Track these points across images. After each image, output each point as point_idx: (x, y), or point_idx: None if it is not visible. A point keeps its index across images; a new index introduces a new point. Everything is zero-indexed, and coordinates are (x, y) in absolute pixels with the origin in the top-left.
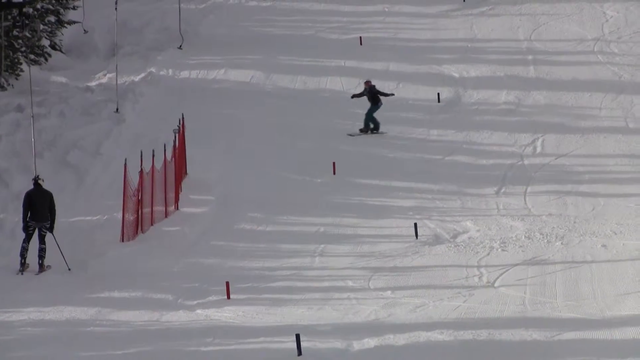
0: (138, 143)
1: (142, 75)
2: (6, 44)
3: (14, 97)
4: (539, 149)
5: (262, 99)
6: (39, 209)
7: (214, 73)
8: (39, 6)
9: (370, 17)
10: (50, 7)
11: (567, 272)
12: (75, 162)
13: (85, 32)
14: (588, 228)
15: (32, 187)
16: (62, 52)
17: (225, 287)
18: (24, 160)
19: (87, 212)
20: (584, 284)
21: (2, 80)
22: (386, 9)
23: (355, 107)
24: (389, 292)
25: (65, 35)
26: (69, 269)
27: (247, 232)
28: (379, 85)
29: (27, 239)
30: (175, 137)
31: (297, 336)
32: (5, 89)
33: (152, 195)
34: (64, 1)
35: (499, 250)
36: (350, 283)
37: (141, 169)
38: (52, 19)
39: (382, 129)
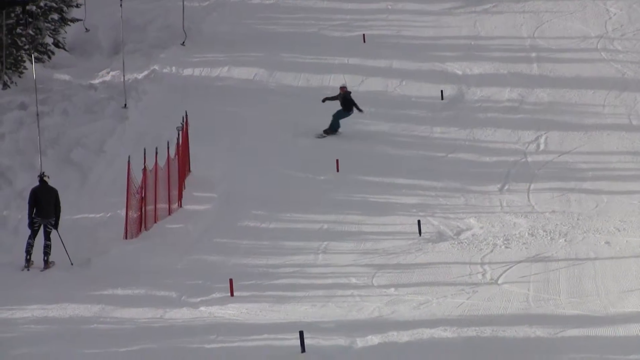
0: (141, 141)
1: (146, 73)
2: (9, 41)
3: (17, 95)
4: (542, 146)
5: (265, 96)
6: (44, 206)
7: (217, 71)
8: (42, 4)
9: (374, 15)
10: (54, 4)
11: (571, 269)
12: (78, 160)
13: (87, 30)
14: (591, 225)
15: (36, 184)
16: (65, 49)
17: (228, 285)
18: (27, 158)
19: (91, 210)
20: (587, 281)
21: (6, 78)
22: (389, 7)
23: (360, 104)
24: (393, 289)
25: (69, 33)
26: (72, 264)
27: (251, 229)
28: (383, 83)
29: (33, 236)
30: (178, 134)
31: (301, 333)
32: (9, 87)
33: (155, 193)
34: None
35: (503, 247)
36: (353, 280)
37: (144, 167)
38: (56, 16)
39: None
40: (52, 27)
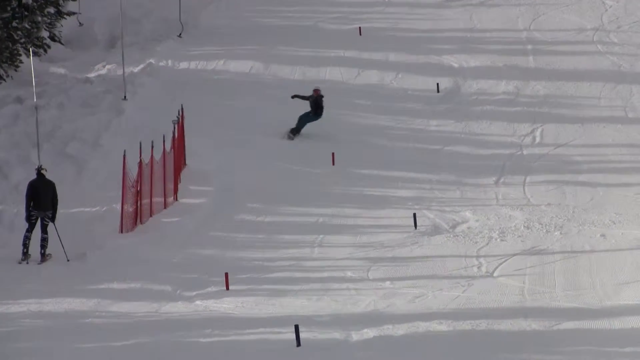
0: (137, 134)
1: (142, 66)
2: (5, 35)
3: (13, 88)
4: (538, 139)
5: (261, 89)
6: (41, 199)
7: (214, 64)
8: None
9: (370, 8)
10: None
11: (566, 262)
12: (74, 153)
13: (81, 24)
14: (587, 218)
15: (32, 177)
16: (61, 43)
17: (224, 278)
18: (23, 152)
19: (86, 204)
20: (583, 273)
21: (1, 72)
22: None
23: (354, 97)
24: (388, 282)
25: (65, 26)
26: (68, 260)
27: (246, 222)
28: (379, 76)
29: (30, 229)
30: (174, 128)
31: (296, 327)
32: (5, 81)
33: (151, 187)
34: None
35: (498, 240)
36: (349, 273)
37: (140, 160)
38: (52, 10)
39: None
40: (48, 21)
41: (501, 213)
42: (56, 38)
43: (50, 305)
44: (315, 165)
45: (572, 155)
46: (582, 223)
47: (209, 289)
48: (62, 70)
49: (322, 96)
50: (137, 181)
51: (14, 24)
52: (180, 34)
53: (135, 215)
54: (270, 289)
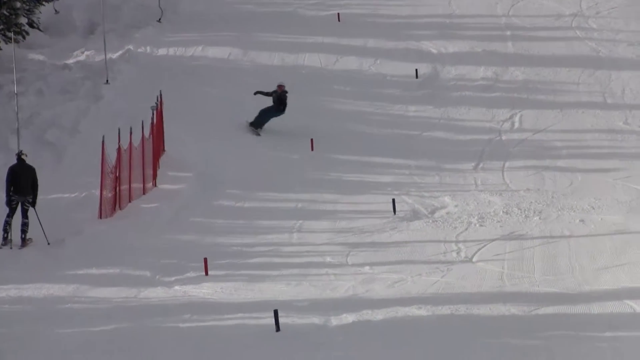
0: (116, 120)
1: (120, 52)
2: None
3: None
4: (517, 125)
5: (239, 76)
6: (22, 184)
7: (192, 50)
8: None
9: None
10: None
11: (545, 247)
12: (53, 140)
13: (57, 12)
14: (566, 203)
15: (11, 163)
16: (39, 29)
17: (203, 264)
18: (2, 138)
19: (65, 190)
20: (562, 258)
21: None
22: None
23: (333, 83)
24: (367, 267)
25: (43, 13)
26: (48, 244)
27: (225, 208)
28: (357, 62)
29: (11, 214)
30: (153, 114)
31: (275, 312)
32: None
33: (130, 172)
34: None
35: (477, 225)
36: (328, 259)
37: (119, 146)
38: None
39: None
40: (27, 7)
41: (480, 198)
42: (35, 24)
43: (29, 290)
44: (294, 151)
45: (551, 141)
46: (561, 208)
47: (188, 275)
48: (40, 57)
49: (286, 92)
50: (115, 167)
51: None
52: (159, 19)
53: (114, 201)
54: (249, 275)
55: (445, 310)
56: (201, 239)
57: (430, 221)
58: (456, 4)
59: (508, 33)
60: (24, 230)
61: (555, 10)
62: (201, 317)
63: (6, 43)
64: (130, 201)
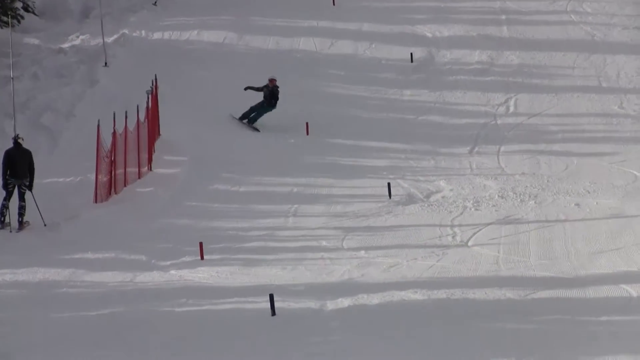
0: (111, 105)
1: (115, 36)
2: None
3: None
4: (512, 109)
5: (235, 59)
6: (18, 167)
7: (187, 34)
8: None
9: None
10: None
11: (541, 231)
12: (48, 124)
13: None
14: (561, 187)
15: (7, 147)
16: (34, 14)
17: (198, 248)
18: None
19: (61, 174)
20: (557, 242)
21: None
22: None
23: (328, 67)
24: (363, 251)
25: None
26: (45, 225)
27: (221, 192)
28: (352, 46)
29: (8, 197)
30: (148, 98)
31: (271, 296)
32: None
33: (125, 157)
34: None
35: (473, 209)
36: (323, 243)
37: (114, 131)
38: None
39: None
40: None
41: (475, 182)
42: (30, 9)
43: (25, 275)
44: (290, 135)
45: (546, 125)
46: (557, 192)
47: (184, 259)
48: (35, 41)
49: (277, 86)
50: (111, 151)
51: None
52: (155, 3)
53: (109, 185)
54: (245, 259)
55: (440, 294)
56: (197, 223)
57: (426, 205)
58: None
59: (503, 17)
60: (20, 214)
61: None
62: (197, 302)
63: (1, 27)
64: (125, 185)
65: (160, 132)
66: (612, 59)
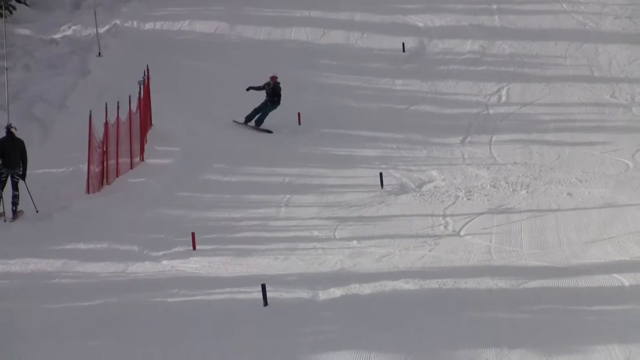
0: (103, 95)
1: (107, 27)
2: None
3: None
4: (504, 98)
5: (226, 50)
6: (10, 157)
7: (179, 24)
8: None
9: None
10: None
11: (533, 221)
12: (40, 115)
13: None
14: (553, 176)
15: (3, 135)
16: (26, 4)
17: (190, 238)
18: None
19: (53, 165)
20: (549, 232)
21: None
22: None
23: (320, 57)
24: (355, 241)
25: None
26: (37, 212)
27: (213, 183)
28: (344, 36)
29: (1, 187)
30: (140, 88)
31: (263, 286)
32: None
33: (117, 147)
34: None
35: (465, 199)
36: (316, 233)
37: (106, 121)
38: None
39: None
40: None
41: (467, 172)
42: (21, 0)
43: (17, 266)
44: (282, 125)
45: (538, 114)
46: (549, 182)
47: (176, 249)
48: (27, 32)
49: (279, 83)
50: (103, 142)
51: None
52: None
53: (101, 176)
54: (237, 249)
55: (432, 284)
56: (189, 213)
57: (418, 195)
58: None
59: (494, 6)
60: (14, 203)
61: None
62: (189, 292)
63: None
64: (117, 176)
65: (152, 123)
66: (604, 48)
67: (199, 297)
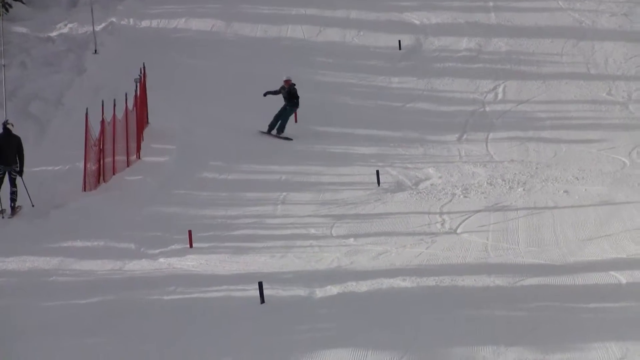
0: (100, 93)
1: (103, 25)
2: None
3: None
4: (500, 96)
5: (223, 47)
6: (7, 153)
7: (175, 22)
8: None
9: None
10: None
11: (530, 218)
12: (36, 112)
13: None
14: (550, 174)
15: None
16: (22, 2)
17: (187, 236)
18: None
19: (49, 163)
20: (546, 230)
21: None
22: None
23: (316, 55)
24: (352, 239)
25: None
26: (33, 205)
27: (209, 180)
28: (340, 34)
29: None
30: (136, 86)
31: (260, 284)
32: None
33: (113, 145)
34: None
35: (461, 196)
36: (312, 231)
37: (102, 119)
38: None
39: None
40: None
41: (464, 170)
42: None
43: (14, 263)
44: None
45: (535, 112)
46: (545, 179)
47: (173, 247)
48: (23, 30)
49: (294, 84)
50: (99, 140)
51: None
52: None
53: (98, 174)
54: (234, 247)
55: (429, 281)
56: (185, 211)
57: (415, 193)
58: None
59: (490, 4)
60: (12, 199)
61: None
62: (186, 290)
63: None
64: (114, 174)
65: (149, 120)
66: (600, 45)
67: (195, 295)
